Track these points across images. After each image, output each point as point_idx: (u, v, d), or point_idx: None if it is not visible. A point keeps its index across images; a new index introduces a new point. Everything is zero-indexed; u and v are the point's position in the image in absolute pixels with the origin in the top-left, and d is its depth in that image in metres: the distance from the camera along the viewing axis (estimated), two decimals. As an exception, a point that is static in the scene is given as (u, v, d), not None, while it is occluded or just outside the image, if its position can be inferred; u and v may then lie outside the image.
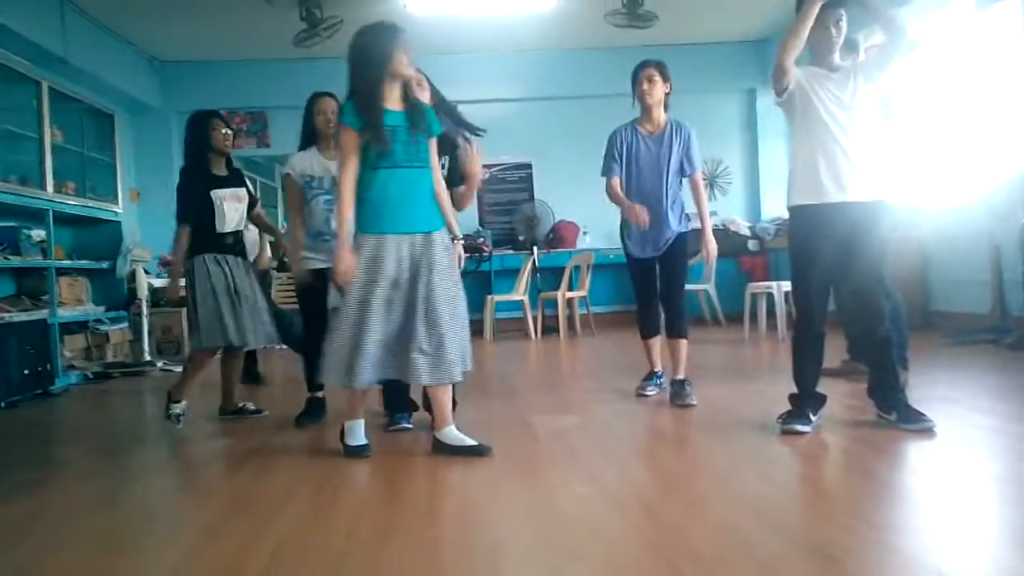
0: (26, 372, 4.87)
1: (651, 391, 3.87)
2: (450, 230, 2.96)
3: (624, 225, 3.84)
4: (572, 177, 7.97)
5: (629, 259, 3.89)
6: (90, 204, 6.78)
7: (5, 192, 5.56)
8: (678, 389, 3.68)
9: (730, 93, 8.90)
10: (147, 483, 2.87)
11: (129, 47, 7.53)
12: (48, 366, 5.15)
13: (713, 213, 8.57)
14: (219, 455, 3.23)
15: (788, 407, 2.99)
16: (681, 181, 3.80)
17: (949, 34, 6.17)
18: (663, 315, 3.85)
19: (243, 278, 3.82)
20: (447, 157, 3.32)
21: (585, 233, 8.53)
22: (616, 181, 3.79)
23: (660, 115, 3.76)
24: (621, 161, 3.78)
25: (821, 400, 3.01)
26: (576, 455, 2.94)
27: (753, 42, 8.57)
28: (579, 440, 3.17)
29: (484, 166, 8.37)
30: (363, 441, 2.91)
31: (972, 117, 5.90)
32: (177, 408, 3.78)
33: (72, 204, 6.43)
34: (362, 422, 2.94)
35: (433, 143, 2.92)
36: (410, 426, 3.31)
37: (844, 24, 2.93)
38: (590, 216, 8.09)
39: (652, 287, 3.87)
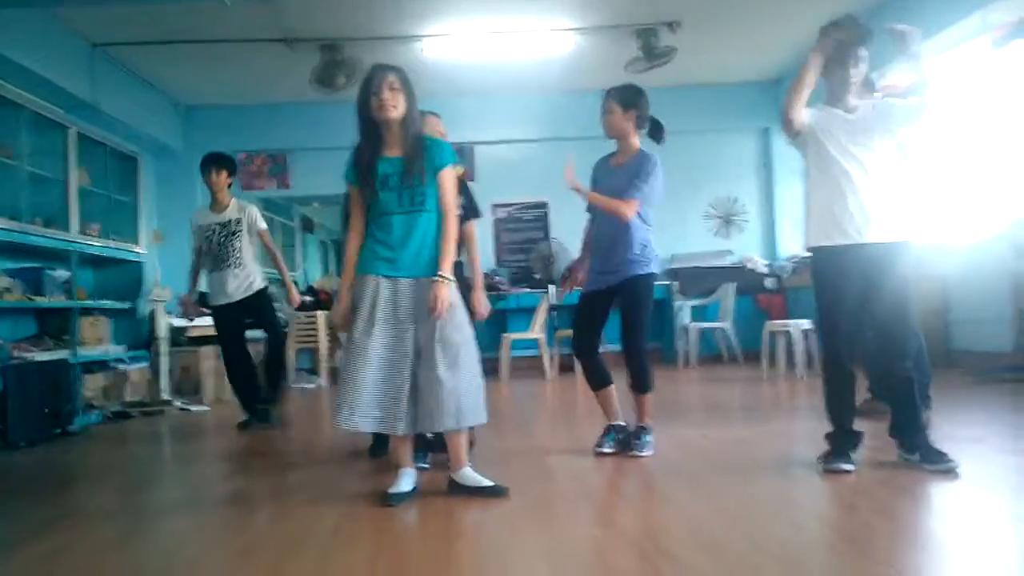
0: (46, 411, 4.91)
1: (609, 448, 3.47)
2: (440, 271, 2.74)
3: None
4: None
5: (580, 297, 3.60)
6: (113, 245, 6.89)
7: (31, 234, 5.68)
8: (633, 438, 3.44)
9: (745, 132, 8.96)
10: (164, 524, 2.87)
11: (155, 92, 7.72)
12: (68, 405, 5.20)
13: (729, 251, 8.67)
14: (236, 495, 3.23)
15: (812, 446, 2.97)
16: (648, 217, 3.47)
17: (967, 72, 6.21)
18: (626, 368, 3.45)
19: None
20: (461, 196, 3.33)
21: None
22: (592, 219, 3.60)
23: (629, 145, 3.49)
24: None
25: (858, 438, 2.98)
26: (592, 496, 2.92)
27: (767, 82, 8.65)
28: (595, 481, 3.15)
29: (501, 205, 8.45)
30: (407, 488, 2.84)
31: (991, 154, 5.90)
32: None
33: (95, 245, 6.54)
34: (411, 470, 2.91)
35: (444, 177, 2.80)
36: (427, 466, 3.30)
37: (864, 64, 2.91)
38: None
39: (596, 327, 3.56)
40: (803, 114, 2.91)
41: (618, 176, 3.47)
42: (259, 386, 5.06)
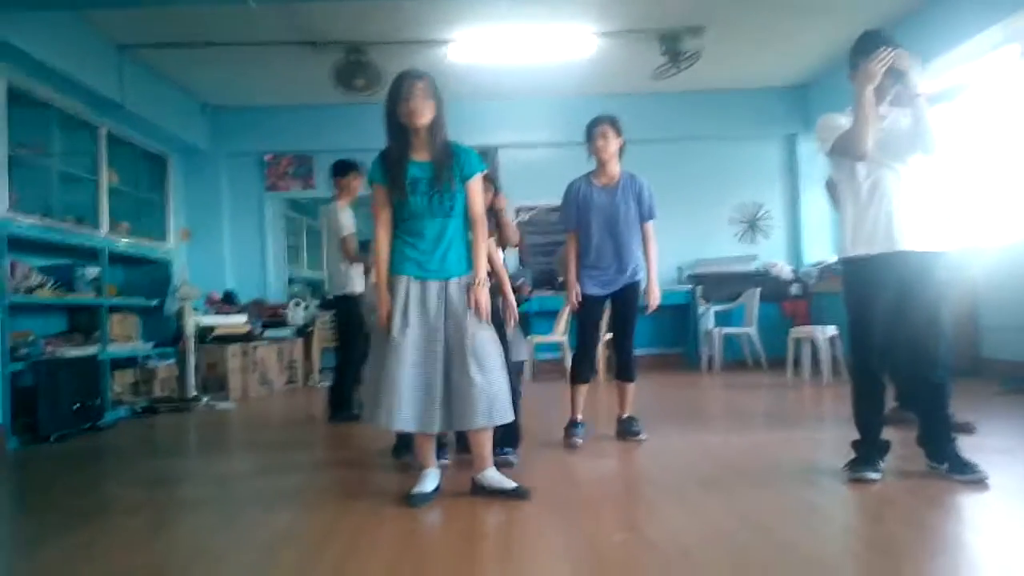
0: (76, 407, 4.99)
1: (579, 440, 3.85)
2: (475, 275, 2.84)
3: (580, 267, 3.98)
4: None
5: (584, 299, 3.93)
6: (142, 243, 6.99)
7: (62, 232, 5.77)
8: (627, 426, 3.96)
9: (771, 139, 8.87)
10: (191, 518, 2.91)
11: (181, 93, 7.80)
12: (98, 401, 5.28)
13: (754, 257, 8.61)
14: (260, 493, 3.26)
15: (838, 454, 2.94)
16: (639, 230, 3.94)
17: (995, 80, 6.13)
18: (615, 359, 4.05)
19: None
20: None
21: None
22: (573, 236, 3.98)
23: (615, 168, 3.96)
24: (577, 213, 3.96)
25: (886, 447, 2.95)
26: (614, 499, 2.92)
27: (793, 88, 8.57)
28: (617, 484, 3.15)
29: (524, 208, 8.46)
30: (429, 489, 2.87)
31: (1020, 161, 5.81)
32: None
33: (125, 243, 6.64)
34: (435, 471, 2.95)
35: (473, 184, 2.85)
36: (447, 461, 3.31)
37: (901, 77, 2.83)
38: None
39: (597, 329, 4.06)
40: (870, 140, 2.82)
41: (613, 198, 3.92)
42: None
